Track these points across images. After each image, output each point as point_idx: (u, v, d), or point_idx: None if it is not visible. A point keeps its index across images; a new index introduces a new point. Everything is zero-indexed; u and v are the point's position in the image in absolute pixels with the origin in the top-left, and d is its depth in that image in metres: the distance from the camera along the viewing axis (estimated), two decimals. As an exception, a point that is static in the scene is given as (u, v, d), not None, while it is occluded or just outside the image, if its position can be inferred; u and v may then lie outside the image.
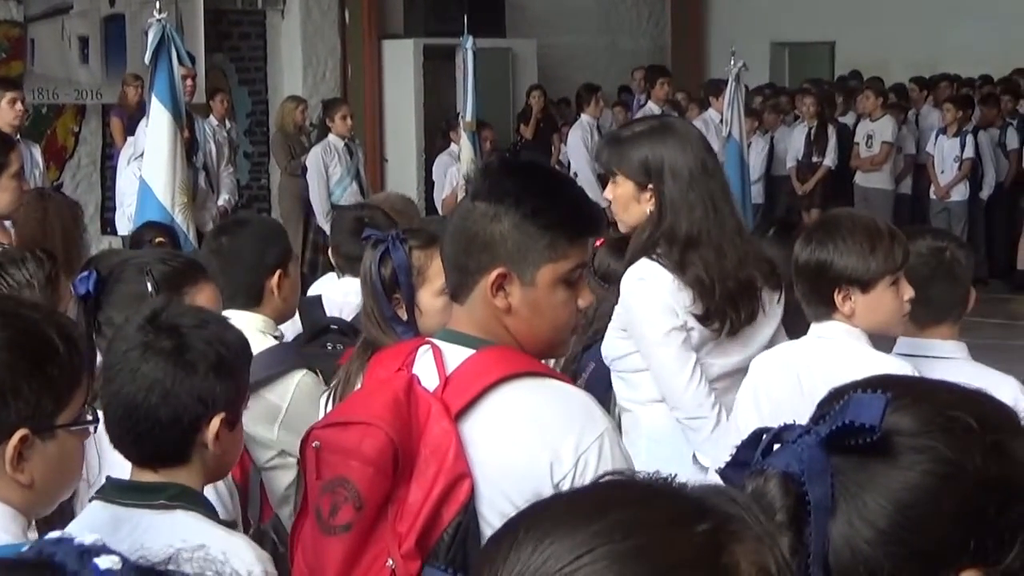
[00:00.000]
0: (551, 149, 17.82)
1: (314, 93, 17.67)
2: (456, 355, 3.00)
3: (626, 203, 4.60)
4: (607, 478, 1.44)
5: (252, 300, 4.55)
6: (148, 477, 2.97)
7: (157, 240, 6.58)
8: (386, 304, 3.99)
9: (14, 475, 2.51)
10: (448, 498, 2.88)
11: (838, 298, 4.05)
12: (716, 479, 1.64)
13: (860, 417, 1.60)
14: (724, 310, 4.51)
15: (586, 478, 2.81)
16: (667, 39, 23.19)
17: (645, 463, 4.30)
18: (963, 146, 16.76)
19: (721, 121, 13.79)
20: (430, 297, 4.04)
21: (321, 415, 3.86)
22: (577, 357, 4.99)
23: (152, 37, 8.39)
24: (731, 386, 4.48)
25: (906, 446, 1.64)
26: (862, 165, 17.27)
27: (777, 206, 17.64)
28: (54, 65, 16.20)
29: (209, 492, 3.11)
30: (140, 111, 9.97)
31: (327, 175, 14.24)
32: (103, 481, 3.10)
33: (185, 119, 9.09)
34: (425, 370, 3.01)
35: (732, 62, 12.56)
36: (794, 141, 17.55)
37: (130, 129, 12.73)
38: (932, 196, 17.12)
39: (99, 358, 3.46)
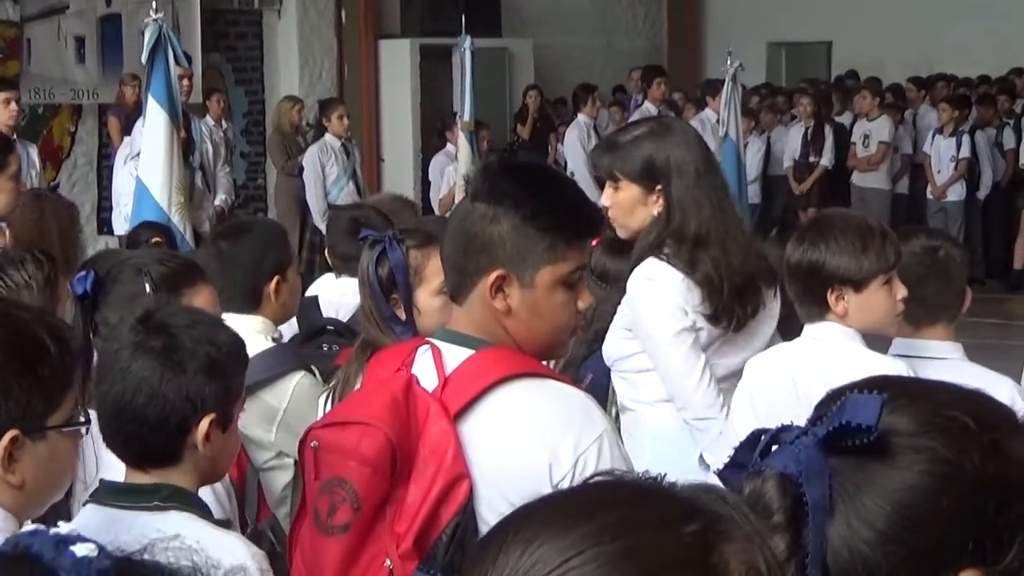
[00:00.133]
0: (547, 149, 17.82)
1: (310, 93, 17.67)
2: (455, 355, 3.00)
3: (631, 207, 4.58)
4: (596, 479, 1.44)
5: (250, 304, 4.54)
6: (140, 478, 2.97)
7: (154, 240, 6.57)
8: (384, 304, 3.99)
9: (5, 476, 2.50)
10: (446, 499, 2.88)
11: (831, 298, 4.04)
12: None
13: (857, 417, 1.60)
14: (732, 307, 4.51)
15: (585, 479, 2.81)
16: (663, 39, 23.19)
17: (651, 462, 4.29)
18: (959, 146, 16.75)
19: (718, 121, 13.80)
20: (428, 297, 4.04)
21: (320, 416, 3.85)
22: (578, 364, 4.97)
23: (148, 37, 8.37)
24: (735, 386, 4.49)
25: (904, 446, 1.64)
26: (859, 165, 17.28)
27: (774, 206, 17.66)
28: (50, 65, 16.20)
29: (206, 492, 3.11)
30: (137, 111, 9.96)
31: (323, 175, 14.23)
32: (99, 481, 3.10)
33: (182, 119, 9.08)
34: (424, 370, 3.01)
35: (729, 62, 12.58)
36: (791, 141, 17.57)
37: (127, 129, 12.72)
38: (929, 196, 17.11)
39: (96, 358, 3.46)
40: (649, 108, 16.52)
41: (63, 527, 1.24)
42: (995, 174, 17.15)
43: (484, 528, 2.84)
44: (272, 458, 4.36)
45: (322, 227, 12.82)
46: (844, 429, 1.61)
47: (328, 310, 5.61)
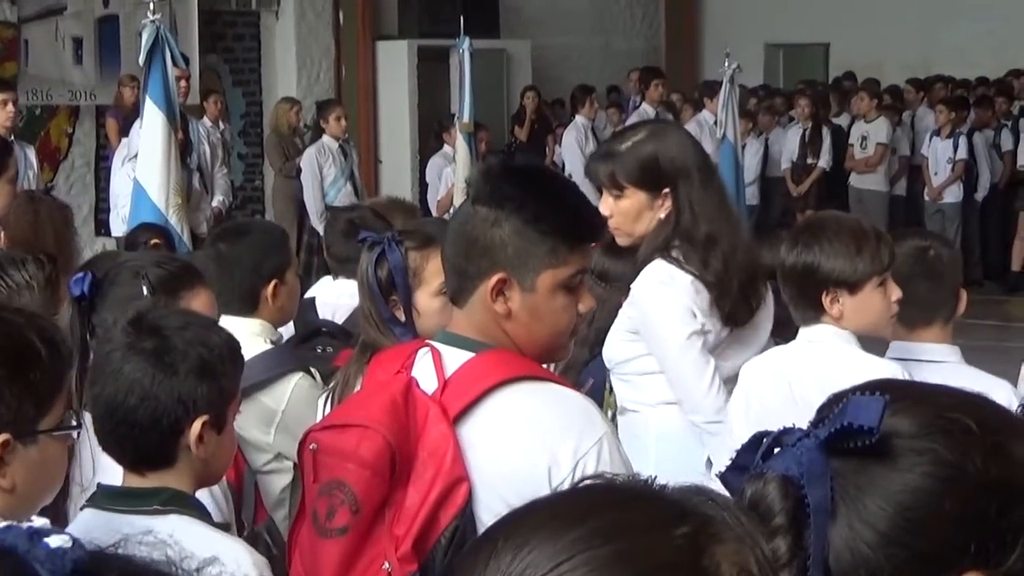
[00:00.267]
0: (545, 150, 17.82)
1: (308, 94, 17.67)
2: (455, 358, 2.99)
3: (637, 214, 4.53)
4: (586, 482, 1.44)
5: (248, 306, 4.54)
6: (138, 481, 2.96)
7: (152, 242, 6.57)
8: (383, 306, 3.98)
9: None
10: (445, 502, 2.87)
11: (826, 301, 4.04)
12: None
13: (859, 419, 1.60)
14: (739, 305, 4.51)
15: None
16: (661, 40, 23.21)
17: (655, 464, 4.31)
18: (956, 147, 16.76)
19: (715, 123, 13.81)
20: (427, 298, 4.02)
21: (320, 418, 3.85)
22: (580, 367, 4.95)
23: (146, 38, 8.36)
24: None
25: (906, 448, 1.63)
26: (857, 167, 17.28)
27: (772, 208, 17.67)
28: (48, 66, 16.20)
29: (203, 494, 3.11)
30: (136, 112, 9.95)
31: (321, 176, 14.22)
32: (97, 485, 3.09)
33: (179, 120, 9.07)
34: (424, 373, 3.00)
35: (727, 63, 12.59)
36: (788, 143, 17.59)
37: (125, 130, 12.72)
38: (926, 198, 17.12)
39: (92, 359, 3.46)
40: (647, 109, 16.53)
41: (37, 521, 1.24)
42: (993, 176, 17.16)
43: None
44: (270, 460, 4.35)
45: (320, 229, 12.81)
46: (846, 431, 1.60)
47: (325, 312, 5.61)
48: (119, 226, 11.75)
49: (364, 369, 3.61)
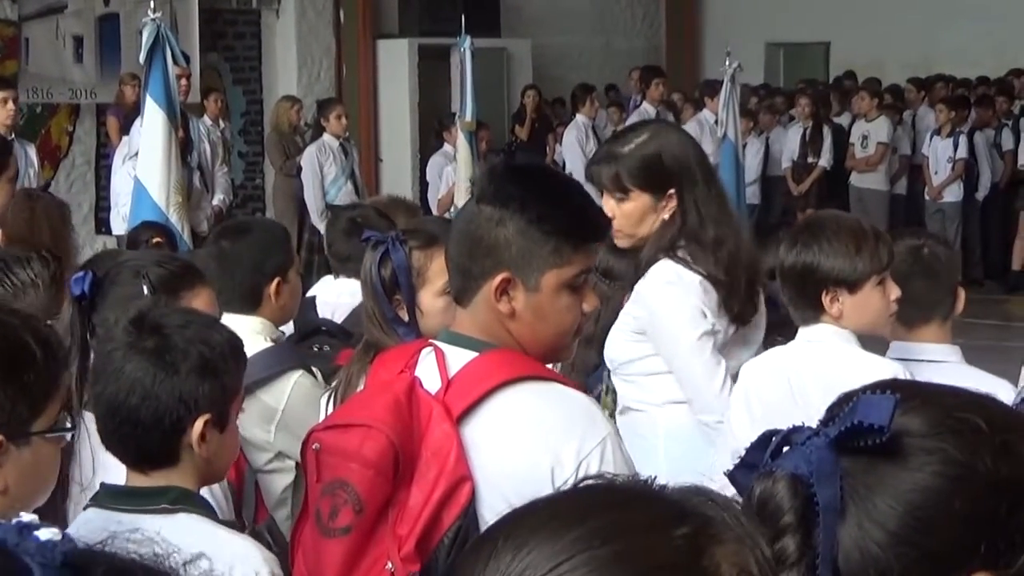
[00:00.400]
0: (546, 149, 17.82)
1: (309, 93, 17.67)
2: (458, 358, 2.99)
3: (641, 216, 4.50)
4: (586, 483, 1.44)
5: (249, 305, 4.53)
6: (141, 480, 2.96)
7: (154, 240, 6.57)
8: (387, 305, 3.97)
9: None
10: (449, 501, 2.87)
11: (826, 300, 4.04)
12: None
13: (869, 418, 1.59)
14: (745, 304, 4.50)
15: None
16: (662, 39, 23.22)
17: (664, 463, 4.30)
18: (956, 147, 16.76)
19: (716, 122, 13.81)
20: (431, 298, 4.01)
21: (322, 416, 3.84)
22: (590, 371, 4.93)
23: (146, 36, 8.35)
24: None
25: (916, 447, 1.63)
26: (857, 166, 17.29)
27: (773, 207, 17.67)
28: (48, 64, 16.20)
29: (203, 493, 3.10)
30: (137, 110, 9.94)
31: (322, 175, 14.22)
32: (97, 485, 3.08)
33: (180, 119, 9.07)
34: (427, 372, 3.00)
35: (727, 62, 12.58)
36: (789, 142, 17.60)
37: (126, 128, 12.70)
38: (927, 197, 17.12)
39: (92, 359, 3.45)
40: (648, 109, 16.54)
41: (26, 516, 1.24)
42: (993, 175, 17.17)
43: (486, 531, 2.83)
44: (271, 459, 4.35)
45: (320, 227, 12.82)
46: (856, 430, 1.60)
47: (325, 311, 5.61)
48: (120, 224, 11.74)
49: (367, 368, 3.61)
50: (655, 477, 1.41)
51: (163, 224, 7.58)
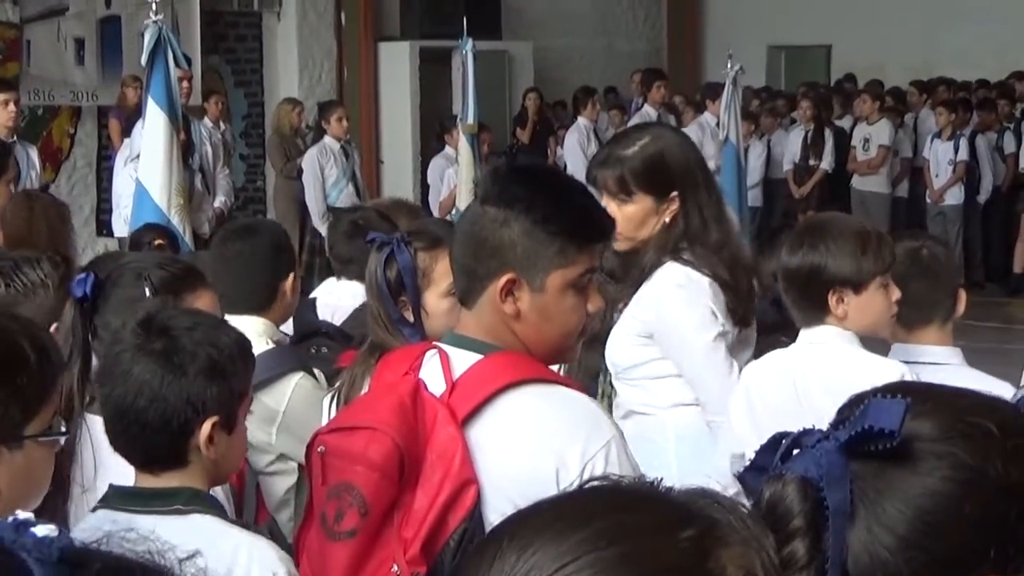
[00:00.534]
0: (547, 152, 17.80)
1: (310, 95, 17.67)
2: (463, 360, 2.99)
3: (643, 218, 4.47)
4: (591, 484, 1.43)
5: (261, 305, 4.55)
6: (150, 481, 2.95)
7: (156, 242, 6.56)
8: (392, 306, 3.97)
9: None
10: (454, 504, 2.87)
11: (832, 300, 4.04)
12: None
13: (880, 422, 1.58)
14: (746, 305, 4.50)
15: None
16: (663, 42, 23.22)
17: (674, 466, 4.30)
18: (957, 149, 16.76)
19: (718, 125, 13.80)
20: (436, 299, 4.00)
21: (324, 418, 3.83)
22: (597, 373, 4.90)
23: (148, 39, 8.34)
24: None
25: (926, 452, 1.62)
26: (859, 169, 17.27)
27: (775, 210, 17.66)
28: (50, 66, 16.20)
29: (204, 495, 3.10)
30: (138, 113, 9.94)
31: (323, 177, 14.22)
32: (99, 486, 3.08)
33: (181, 121, 9.06)
34: (432, 375, 2.99)
35: (729, 65, 12.56)
36: (791, 144, 17.58)
37: (128, 131, 12.71)
38: (928, 200, 17.12)
39: (95, 362, 3.44)
40: (649, 111, 16.55)
41: (21, 514, 1.24)
42: (995, 178, 17.18)
43: (491, 534, 2.83)
44: (273, 461, 4.34)
45: (322, 230, 12.83)
46: (867, 434, 1.59)
47: (325, 313, 5.61)
48: (121, 227, 11.74)
49: (371, 370, 3.60)
50: (661, 479, 1.41)
51: (165, 226, 7.58)
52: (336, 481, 2.94)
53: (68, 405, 3.38)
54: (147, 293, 3.66)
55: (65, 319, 3.58)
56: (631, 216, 4.46)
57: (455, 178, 14.29)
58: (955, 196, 16.92)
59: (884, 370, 3.86)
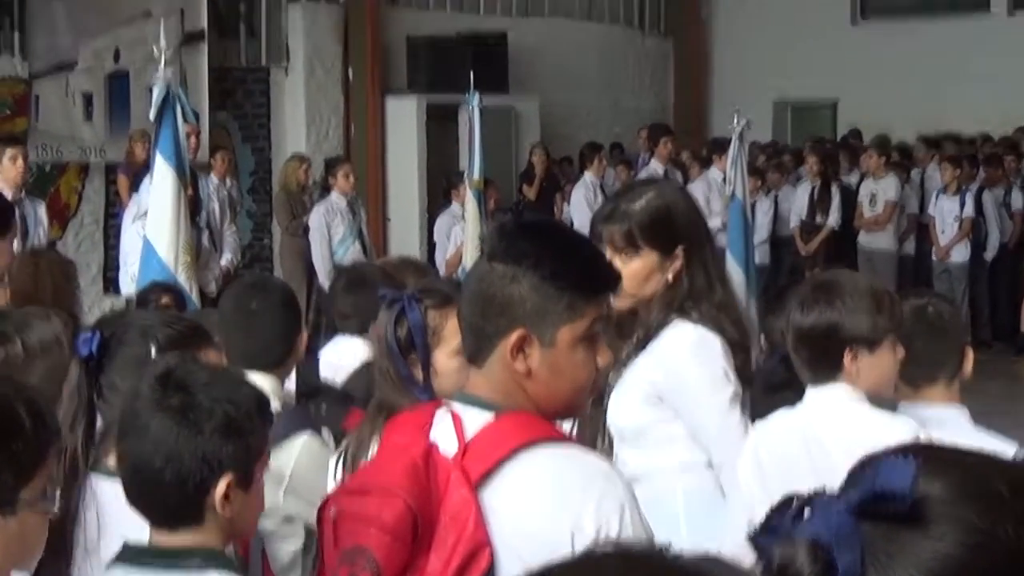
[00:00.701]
0: (554, 208, 17.81)
1: (317, 151, 17.70)
2: (475, 420, 2.97)
3: (648, 274, 4.43)
4: (601, 549, 1.42)
5: (274, 362, 4.56)
6: (166, 538, 2.94)
7: (163, 300, 6.56)
8: (402, 364, 3.96)
9: None
10: (468, 567, 2.85)
11: (847, 359, 4.02)
12: None
13: (891, 484, 1.57)
14: (749, 365, 4.47)
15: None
16: (669, 98, 23.29)
17: (685, 529, 4.27)
18: (963, 205, 16.73)
19: (724, 180, 13.80)
20: (446, 358, 3.99)
21: (331, 479, 3.82)
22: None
23: (157, 94, 8.37)
24: None
25: (937, 514, 1.61)
26: (866, 225, 17.24)
27: (782, 267, 17.63)
28: (58, 122, 16.24)
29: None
30: (147, 168, 9.96)
31: (329, 235, 14.22)
32: (103, 549, 3.06)
33: (189, 177, 9.07)
34: (444, 436, 2.98)
35: (736, 120, 12.54)
36: (797, 201, 17.53)
37: (136, 186, 12.72)
38: (934, 257, 17.09)
39: (99, 421, 3.43)
40: (656, 167, 16.56)
41: None
42: (1002, 235, 17.14)
43: (505, 597, 2.82)
44: (279, 524, 4.31)
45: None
46: (877, 496, 1.58)
47: (327, 371, 5.60)
48: (128, 284, 11.73)
49: (379, 430, 3.59)
50: (670, 544, 1.39)
51: (171, 284, 7.57)
52: (349, 545, 2.92)
53: (72, 466, 3.37)
54: (153, 352, 3.65)
55: (70, 378, 3.57)
56: (636, 272, 4.42)
57: (461, 235, 14.27)
58: (961, 253, 16.88)
59: (897, 428, 3.84)
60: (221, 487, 2.89)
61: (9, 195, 9.58)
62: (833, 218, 17.19)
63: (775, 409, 4.37)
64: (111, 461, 3.25)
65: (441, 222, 15.92)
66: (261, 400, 3.02)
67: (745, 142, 13.19)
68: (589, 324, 2.97)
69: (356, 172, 15.11)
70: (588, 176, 16.51)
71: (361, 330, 5.77)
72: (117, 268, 13.49)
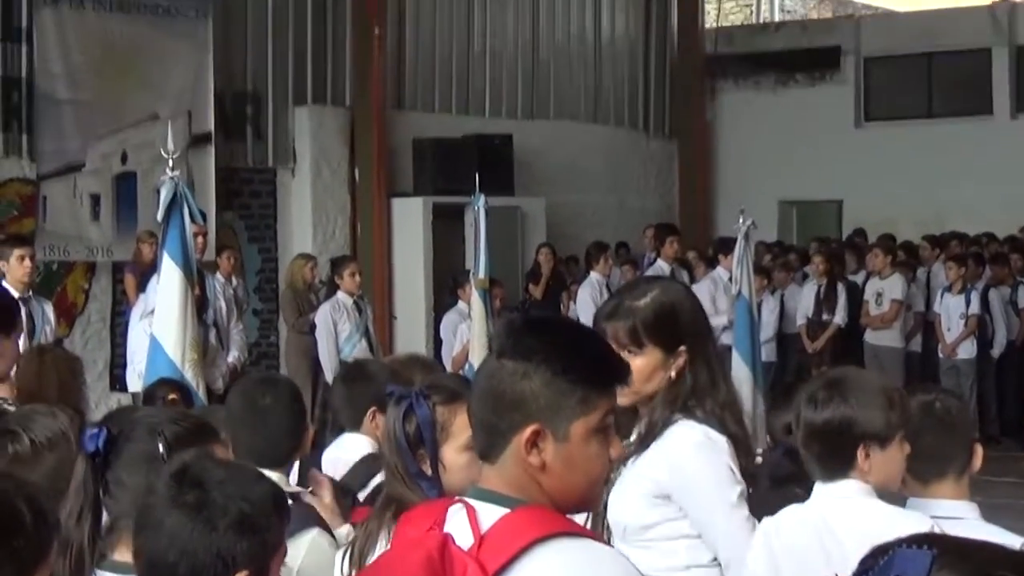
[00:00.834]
0: (560, 307, 17.83)
1: (324, 250, 17.76)
2: (490, 514, 2.95)
3: (652, 372, 4.40)
4: None
5: (284, 458, 4.57)
6: None
7: (170, 397, 6.56)
8: (411, 460, 3.95)
9: None
10: None
11: (860, 455, 4.01)
12: None
13: (906, 573, 1.56)
14: (753, 462, 4.45)
15: None
16: (675, 197, 23.38)
17: None
18: (968, 303, 16.76)
19: (730, 279, 13.81)
20: (454, 453, 3.99)
21: (336, 574, 3.79)
22: None
23: (164, 194, 8.40)
24: None
25: (951, 605, 1.60)
26: (872, 323, 17.26)
27: (788, 364, 17.63)
28: (65, 222, 16.31)
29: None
30: (154, 268, 9.99)
31: (336, 332, 14.24)
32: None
33: (196, 276, 9.09)
34: (459, 529, 2.96)
35: (741, 220, 12.58)
36: (804, 299, 17.57)
37: (143, 286, 12.76)
38: (940, 354, 17.09)
39: (105, 517, 3.41)
40: (662, 266, 16.59)
41: None
42: (1009, 332, 17.16)
43: None
44: (285, 620, 4.29)
45: (335, 386, 12.78)
46: (894, 586, 1.57)
47: (328, 466, 5.60)
48: (135, 381, 11.73)
49: (387, 524, 3.57)
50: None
51: (178, 381, 7.58)
52: None
53: (78, 561, 3.35)
54: (161, 449, 3.64)
55: (76, 474, 3.55)
56: (640, 369, 4.35)
57: (468, 333, 14.28)
58: (968, 350, 16.89)
59: (909, 523, 3.82)
60: None
61: (16, 294, 9.59)
62: (840, 316, 17.21)
63: (781, 502, 4.35)
64: (117, 556, 3.24)
65: (447, 320, 15.95)
66: (278, 496, 3.01)
67: (751, 241, 13.21)
68: (602, 416, 2.96)
69: (362, 271, 15.15)
70: (594, 275, 16.53)
71: (353, 424, 5.80)
72: (124, 365, 13.50)
